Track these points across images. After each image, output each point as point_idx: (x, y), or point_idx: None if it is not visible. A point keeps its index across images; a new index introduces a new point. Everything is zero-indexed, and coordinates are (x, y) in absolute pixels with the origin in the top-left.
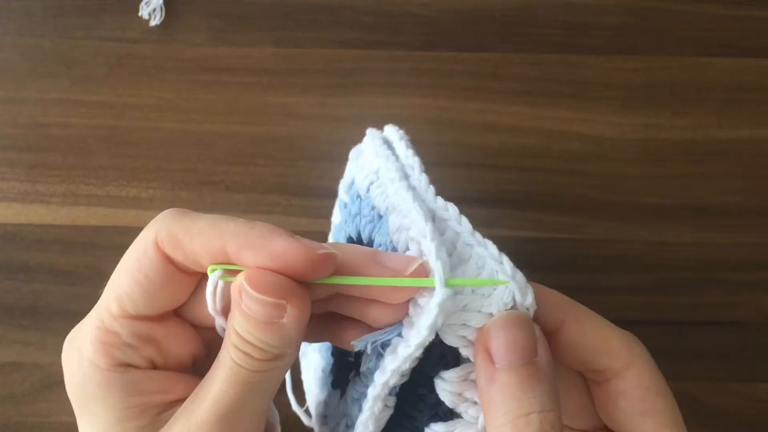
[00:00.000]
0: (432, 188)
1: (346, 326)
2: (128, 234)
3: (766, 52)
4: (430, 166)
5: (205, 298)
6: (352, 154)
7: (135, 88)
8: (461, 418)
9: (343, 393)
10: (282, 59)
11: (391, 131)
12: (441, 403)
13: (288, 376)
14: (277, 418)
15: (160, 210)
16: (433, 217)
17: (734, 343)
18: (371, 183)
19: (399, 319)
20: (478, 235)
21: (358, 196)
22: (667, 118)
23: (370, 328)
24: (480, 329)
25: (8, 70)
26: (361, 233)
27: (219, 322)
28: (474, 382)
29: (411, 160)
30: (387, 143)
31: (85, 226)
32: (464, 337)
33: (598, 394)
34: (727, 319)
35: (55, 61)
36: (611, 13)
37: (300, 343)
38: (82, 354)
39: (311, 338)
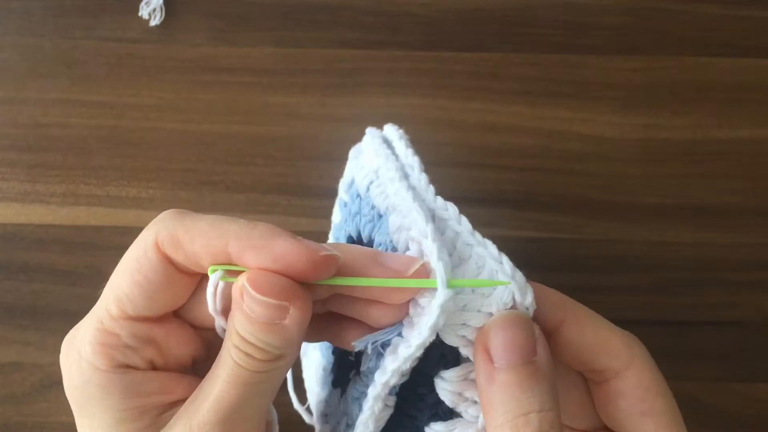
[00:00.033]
0: (432, 188)
1: (346, 326)
2: (128, 234)
3: (766, 52)
4: (430, 166)
5: (204, 299)
6: (352, 153)
7: (135, 88)
8: (461, 417)
9: (343, 392)
10: (282, 59)
11: (391, 130)
12: (441, 402)
13: (289, 374)
14: (274, 417)
15: (160, 210)
16: (432, 216)
17: (734, 343)
18: (371, 182)
19: (399, 319)
20: (477, 235)
21: (358, 195)
22: (667, 118)
23: (370, 328)
24: (480, 329)
25: (8, 70)
26: (361, 232)
27: (219, 322)
28: (474, 381)
29: (411, 159)
30: (387, 142)
31: (85, 226)
32: (464, 336)
33: (598, 394)
34: (727, 319)
35: (55, 61)
36: (611, 13)
37: (301, 343)
38: (81, 355)
39: (311, 338)
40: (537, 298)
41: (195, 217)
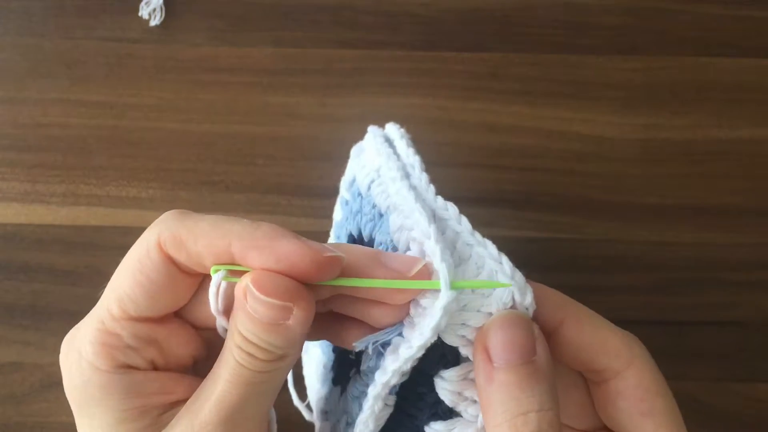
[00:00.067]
0: (432, 187)
1: (346, 326)
2: (128, 234)
3: (766, 52)
4: (430, 166)
5: (206, 299)
6: (354, 151)
7: (135, 88)
8: (461, 416)
9: (343, 390)
10: (282, 59)
11: (393, 129)
12: (441, 401)
13: (290, 371)
14: (273, 416)
15: (160, 210)
16: (433, 216)
17: (734, 343)
18: (372, 181)
19: (400, 319)
20: (477, 235)
21: (359, 194)
22: (667, 118)
23: (371, 328)
24: (479, 328)
25: (8, 70)
26: (362, 231)
27: (221, 322)
28: (473, 381)
29: (412, 158)
30: (388, 141)
31: (85, 226)
32: (464, 336)
33: (597, 394)
34: (727, 319)
35: (55, 61)
36: (611, 13)
37: (303, 343)
38: (81, 355)
39: (311, 337)
40: (537, 298)
41: (197, 217)
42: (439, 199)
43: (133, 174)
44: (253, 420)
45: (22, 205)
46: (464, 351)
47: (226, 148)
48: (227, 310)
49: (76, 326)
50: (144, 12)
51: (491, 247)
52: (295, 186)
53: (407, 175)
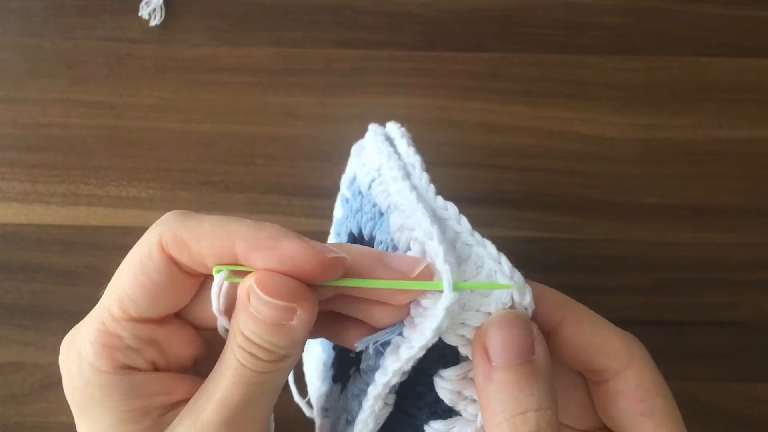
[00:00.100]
0: (432, 187)
1: (346, 325)
2: (128, 234)
3: (766, 52)
4: (430, 166)
5: (207, 299)
6: (354, 149)
7: (135, 88)
8: (460, 415)
9: (343, 387)
10: (282, 59)
11: (393, 128)
12: (440, 401)
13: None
14: (271, 416)
15: (160, 210)
16: (434, 216)
17: (734, 343)
18: (373, 180)
19: (400, 319)
20: (477, 235)
21: (360, 192)
22: (667, 118)
23: (371, 327)
24: (478, 328)
25: (8, 70)
26: (362, 229)
27: (222, 322)
28: (473, 380)
29: (412, 158)
30: (389, 140)
31: (85, 226)
32: (463, 336)
33: (597, 395)
34: (727, 319)
35: (55, 61)
36: (611, 13)
37: (305, 343)
38: (82, 356)
39: (311, 335)
40: (536, 297)
41: (199, 217)
42: (439, 198)
43: (133, 174)
44: (256, 420)
45: (22, 205)
46: (463, 350)
47: (226, 148)
48: (228, 311)
49: (76, 327)
50: (144, 12)
51: (490, 247)
52: (295, 186)
53: (408, 175)
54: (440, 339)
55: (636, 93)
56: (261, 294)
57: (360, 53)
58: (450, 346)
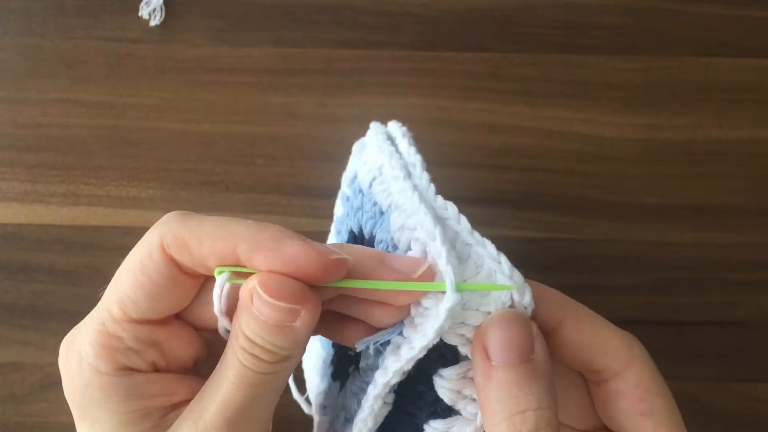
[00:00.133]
0: (432, 186)
1: (346, 324)
2: (128, 234)
3: (766, 52)
4: (430, 166)
5: (208, 300)
6: (356, 147)
7: (135, 88)
8: (460, 414)
9: (342, 385)
10: (282, 59)
11: (395, 127)
12: (440, 400)
13: None
14: None
15: (160, 210)
16: (435, 217)
17: (734, 343)
18: (374, 179)
19: (401, 319)
20: (476, 235)
21: (360, 190)
22: (667, 118)
23: (371, 326)
24: (478, 327)
25: (8, 70)
26: (363, 228)
27: (223, 323)
28: (472, 379)
29: (413, 157)
30: (390, 139)
31: (85, 226)
32: (463, 335)
33: (597, 395)
34: (727, 319)
35: (55, 61)
36: (611, 13)
37: (307, 343)
38: (82, 358)
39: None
40: (536, 297)
41: (201, 218)
42: (439, 198)
43: (133, 174)
44: (257, 420)
45: (22, 205)
46: (463, 349)
47: (226, 148)
48: (230, 312)
49: (76, 328)
50: (144, 12)
51: (490, 247)
52: (295, 186)
53: (409, 175)
54: (440, 338)
55: (636, 93)
56: (264, 296)
57: (360, 53)
58: (450, 345)
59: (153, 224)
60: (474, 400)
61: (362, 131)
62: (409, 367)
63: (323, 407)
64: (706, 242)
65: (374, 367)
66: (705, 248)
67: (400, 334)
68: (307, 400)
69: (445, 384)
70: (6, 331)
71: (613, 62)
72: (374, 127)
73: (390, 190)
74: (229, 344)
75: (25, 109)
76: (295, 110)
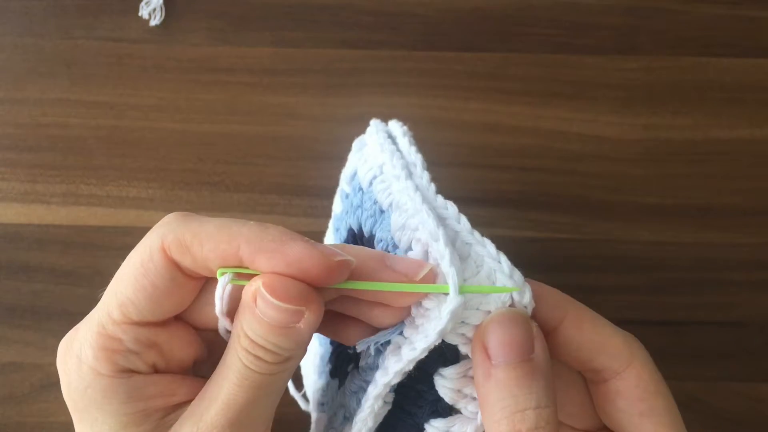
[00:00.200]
0: (433, 186)
1: (346, 323)
2: (128, 234)
3: (766, 52)
4: (430, 166)
5: (208, 301)
6: (356, 144)
7: (135, 88)
8: (461, 413)
9: (341, 383)
10: (282, 59)
11: (395, 126)
12: (440, 399)
13: None
14: None
15: (160, 210)
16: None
17: (734, 343)
18: (374, 177)
19: (401, 320)
20: (476, 234)
21: (360, 188)
22: (667, 118)
23: (371, 326)
24: (478, 326)
25: (8, 70)
26: (362, 226)
27: (224, 324)
28: (473, 378)
29: (414, 157)
30: (390, 137)
31: (85, 226)
32: (463, 334)
33: (597, 394)
34: (727, 319)
35: (55, 61)
36: (611, 13)
37: (309, 343)
38: (82, 360)
39: None
40: (536, 296)
41: (202, 220)
42: (439, 197)
43: (133, 174)
44: (259, 421)
45: (22, 205)
46: (463, 349)
47: (226, 148)
48: (230, 312)
49: (74, 330)
50: (144, 12)
51: (490, 246)
52: (295, 186)
53: (410, 174)
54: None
55: (636, 93)
56: (270, 297)
57: (360, 53)
58: (450, 344)
59: (153, 224)
60: (475, 398)
61: (362, 131)
62: (410, 367)
63: (321, 404)
64: (706, 242)
65: (374, 367)
66: (705, 248)
67: (401, 334)
68: (304, 397)
69: (446, 383)
70: (6, 331)
71: (613, 62)
72: (374, 124)
73: (391, 190)
74: (230, 345)
75: (25, 109)
76: (295, 110)
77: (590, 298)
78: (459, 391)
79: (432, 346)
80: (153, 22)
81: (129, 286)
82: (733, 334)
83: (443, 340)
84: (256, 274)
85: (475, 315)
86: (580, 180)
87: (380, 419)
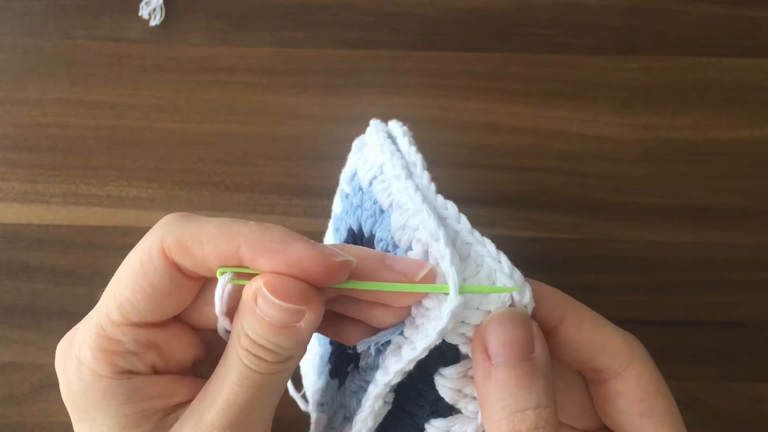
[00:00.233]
0: (433, 186)
1: (347, 323)
2: (128, 234)
3: (766, 52)
4: (430, 166)
5: (207, 301)
6: (355, 145)
7: (135, 88)
8: (461, 413)
9: (341, 383)
10: (282, 59)
11: (395, 126)
12: (441, 398)
13: None
14: None
15: (160, 210)
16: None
17: (734, 343)
18: (374, 177)
19: (401, 320)
20: (476, 234)
21: (360, 188)
22: (667, 118)
23: (372, 327)
24: (478, 326)
25: (8, 70)
26: (362, 226)
27: (223, 324)
28: (473, 378)
29: (414, 156)
30: (390, 137)
31: (85, 226)
32: (463, 334)
33: (597, 394)
34: (727, 319)
35: (55, 61)
36: (611, 13)
37: (308, 342)
38: (81, 362)
39: None
40: (536, 296)
41: (201, 220)
42: (439, 197)
43: (133, 174)
44: (259, 421)
45: (22, 205)
46: (464, 348)
47: (226, 148)
48: (230, 312)
49: (72, 331)
50: (144, 12)
51: (490, 246)
52: (295, 186)
53: (410, 174)
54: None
55: (636, 93)
56: (271, 297)
57: (360, 53)
58: (450, 344)
59: (153, 224)
60: (475, 398)
61: (362, 131)
62: (411, 367)
63: (321, 405)
64: (706, 242)
65: (374, 366)
66: (705, 248)
67: (401, 333)
68: (303, 397)
69: (446, 383)
70: (6, 331)
71: (613, 62)
72: (374, 124)
73: (391, 190)
74: (229, 345)
75: (25, 109)
76: (295, 110)
77: (590, 298)
78: (459, 390)
79: (432, 346)
80: (153, 22)
81: (128, 287)
82: (733, 334)
83: (443, 340)
84: (255, 274)
85: (476, 315)
86: (580, 180)
87: (380, 419)
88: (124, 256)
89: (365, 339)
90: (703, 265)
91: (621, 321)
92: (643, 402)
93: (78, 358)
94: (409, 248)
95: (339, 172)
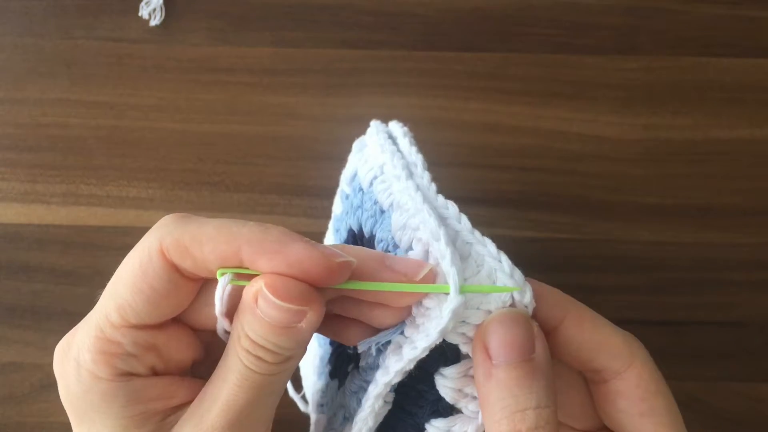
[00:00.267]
0: (433, 186)
1: (346, 323)
2: (128, 234)
3: (766, 52)
4: (430, 166)
5: (207, 302)
6: (356, 145)
7: (135, 88)
8: (461, 413)
9: (341, 384)
10: (282, 59)
11: (396, 126)
12: (441, 398)
13: None
14: None
15: (160, 210)
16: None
17: (734, 343)
18: (375, 177)
19: (402, 320)
20: (477, 234)
21: (360, 189)
22: (667, 118)
23: (372, 327)
24: (478, 326)
25: (8, 70)
26: (363, 226)
27: (223, 325)
28: (474, 377)
29: (414, 157)
30: (391, 138)
31: (85, 226)
32: (464, 334)
33: (597, 394)
34: (727, 319)
35: (55, 61)
36: (611, 13)
37: (309, 343)
38: (80, 364)
39: None
40: (537, 296)
41: (200, 221)
42: (440, 197)
43: (133, 174)
44: (260, 421)
45: (22, 205)
46: (464, 348)
47: (226, 148)
48: (229, 313)
49: (70, 333)
50: (144, 12)
51: (490, 246)
52: (295, 186)
53: (411, 174)
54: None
55: (636, 93)
56: (272, 297)
57: (360, 53)
58: (451, 344)
59: (153, 224)
60: (476, 398)
61: (362, 131)
62: (411, 366)
63: (320, 405)
64: (706, 242)
65: (375, 366)
66: (705, 248)
67: (402, 333)
68: (303, 398)
69: (447, 383)
70: (6, 331)
71: (613, 62)
72: (375, 125)
73: (392, 190)
74: (229, 346)
75: (25, 109)
76: (295, 110)
77: (590, 298)
78: (460, 390)
79: (433, 345)
80: (153, 22)
81: (127, 289)
82: (733, 334)
83: (444, 340)
84: (255, 275)
85: (476, 314)
86: (580, 180)
87: (381, 419)
88: (124, 256)
89: (366, 339)
90: (703, 265)
91: (621, 321)
92: (644, 402)
93: (77, 360)
94: (410, 248)
95: (339, 173)
